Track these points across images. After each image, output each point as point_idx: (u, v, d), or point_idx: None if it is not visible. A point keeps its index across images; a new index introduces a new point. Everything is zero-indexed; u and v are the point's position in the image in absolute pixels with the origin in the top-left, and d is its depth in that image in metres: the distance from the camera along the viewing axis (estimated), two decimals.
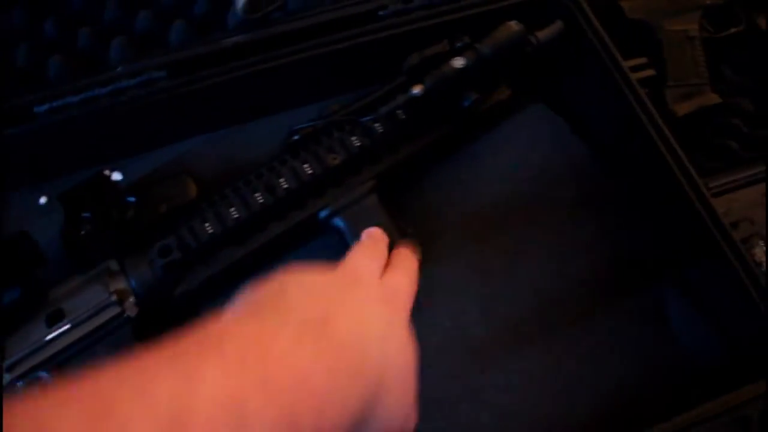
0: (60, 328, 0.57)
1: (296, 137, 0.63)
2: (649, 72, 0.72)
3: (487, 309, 0.61)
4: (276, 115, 0.70)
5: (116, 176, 0.67)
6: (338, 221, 0.61)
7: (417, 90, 0.62)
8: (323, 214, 0.61)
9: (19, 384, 0.56)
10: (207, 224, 0.59)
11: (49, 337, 0.57)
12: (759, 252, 0.62)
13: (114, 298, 0.58)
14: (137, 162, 0.68)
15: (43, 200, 0.68)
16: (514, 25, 0.64)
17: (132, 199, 0.60)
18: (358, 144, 0.62)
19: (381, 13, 0.68)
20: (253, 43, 0.67)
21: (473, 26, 0.67)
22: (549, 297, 0.61)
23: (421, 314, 0.51)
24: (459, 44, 0.66)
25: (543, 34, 0.66)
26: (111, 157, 0.68)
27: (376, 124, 0.63)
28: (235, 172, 0.65)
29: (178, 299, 0.60)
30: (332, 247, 0.61)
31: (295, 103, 0.70)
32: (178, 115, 0.66)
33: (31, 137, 0.63)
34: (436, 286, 0.61)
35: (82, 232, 0.59)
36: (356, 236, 0.58)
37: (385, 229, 0.58)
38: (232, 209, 0.59)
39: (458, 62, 0.63)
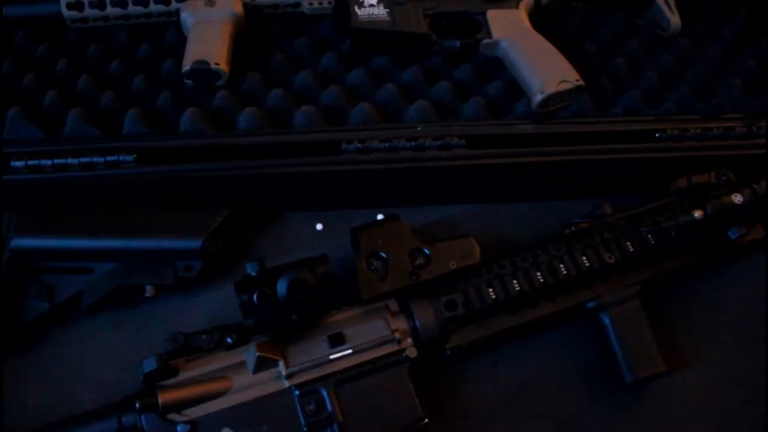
0: (342, 350, 0.62)
1: (573, 229, 0.68)
2: None
3: None
4: (542, 202, 0.75)
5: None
6: (603, 315, 0.65)
7: (698, 214, 0.67)
8: (591, 305, 0.66)
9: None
10: (491, 289, 0.64)
11: (333, 356, 0.61)
12: None
13: (397, 335, 0.62)
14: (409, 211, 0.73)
15: (319, 227, 0.74)
16: None
17: (426, 250, 0.65)
18: (632, 249, 0.66)
19: (658, 134, 0.74)
20: (537, 134, 0.73)
21: (737, 164, 0.72)
22: None
23: None
24: (724, 178, 0.71)
25: None
26: (387, 203, 0.73)
27: (649, 236, 0.67)
28: (497, 245, 0.70)
29: (448, 352, 0.64)
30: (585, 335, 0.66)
31: (562, 197, 0.75)
32: (464, 181, 0.72)
33: (340, 175, 0.69)
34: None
35: (372, 268, 0.64)
36: (618, 337, 0.63)
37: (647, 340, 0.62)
38: (515, 281, 0.64)
39: (738, 198, 0.68)
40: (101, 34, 0.82)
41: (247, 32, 0.80)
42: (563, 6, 0.83)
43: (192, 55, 0.74)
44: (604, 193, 0.74)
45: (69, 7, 0.79)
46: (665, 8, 0.82)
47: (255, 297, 0.60)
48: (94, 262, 0.69)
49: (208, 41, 0.75)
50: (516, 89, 0.76)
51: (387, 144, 0.70)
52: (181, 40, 0.78)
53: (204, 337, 0.63)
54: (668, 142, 0.74)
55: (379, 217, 0.73)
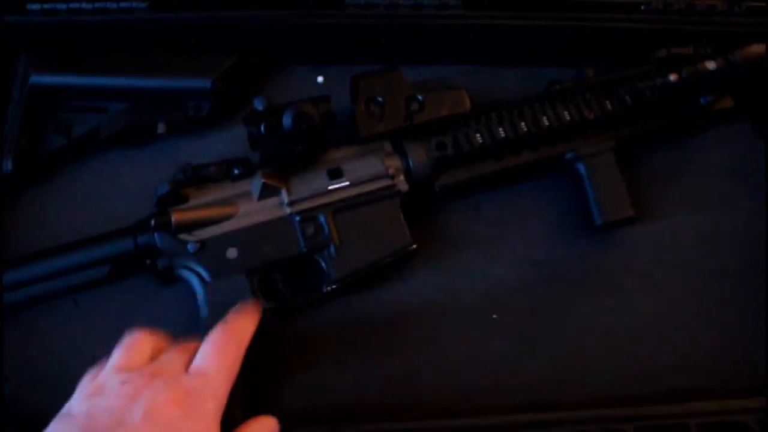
0: (340, 182, 0.67)
1: (557, 87, 0.73)
2: None
3: None
4: (529, 67, 0.80)
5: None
6: (580, 166, 0.71)
7: (673, 78, 0.72)
8: (569, 155, 0.71)
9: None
10: (478, 135, 0.69)
11: (331, 187, 0.67)
12: None
13: (391, 171, 0.68)
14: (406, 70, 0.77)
15: (320, 79, 0.78)
16: (763, 48, 0.74)
17: (420, 97, 0.70)
18: (610, 107, 0.72)
19: (643, 7, 0.78)
20: None
21: (716, 41, 0.77)
22: None
23: None
24: (702, 51, 0.76)
25: None
26: (385, 60, 0.77)
27: (627, 96, 0.72)
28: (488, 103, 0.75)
29: (437, 190, 0.70)
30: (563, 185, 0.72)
31: (549, 62, 0.80)
32: (458, 41, 0.76)
33: (341, 28, 0.74)
34: None
35: (370, 111, 0.69)
36: (592, 185, 0.69)
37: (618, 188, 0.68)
38: (500, 128, 0.69)
39: (711, 65, 0.73)
40: None
41: None
42: None
43: None
44: (589, 62, 0.78)
45: None
46: None
47: (262, 128, 0.64)
48: (108, 101, 0.73)
49: None
50: None
51: (389, 1, 0.74)
52: None
53: (212, 168, 0.68)
54: (653, 14, 0.78)
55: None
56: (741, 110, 0.79)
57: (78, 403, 0.49)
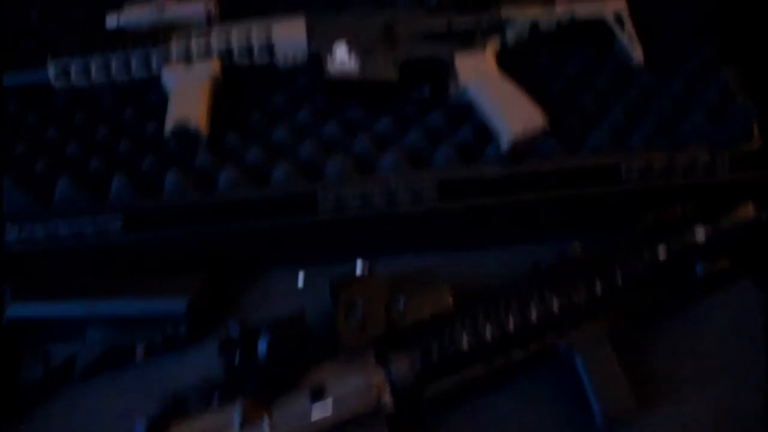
0: (323, 407, 0.65)
1: (543, 270, 0.70)
2: None
3: None
4: (512, 246, 0.77)
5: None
6: (575, 356, 0.68)
7: (661, 252, 0.69)
8: (562, 346, 0.68)
9: None
10: (464, 338, 0.66)
11: (314, 415, 0.64)
12: None
13: (374, 387, 0.65)
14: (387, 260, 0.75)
15: (300, 279, 0.77)
16: (752, 209, 0.71)
17: (401, 301, 0.67)
18: (600, 289, 0.69)
19: (624, 169, 0.76)
20: (509, 176, 0.76)
21: (705, 198, 0.75)
22: None
23: None
24: (688, 212, 0.73)
25: None
26: (363, 253, 0.76)
27: (618, 275, 0.69)
28: (471, 290, 0.72)
29: (426, 401, 0.66)
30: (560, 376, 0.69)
31: (531, 239, 0.77)
32: (436, 229, 0.75)
33: (317, 230, 0.72)
34: None
35: (350, 320, 0.67)
36: (590, 377, 0.65)
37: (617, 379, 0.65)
38: (487, 328, 0.67)
39: (700, 235, 0.70)
40: (87, 96, 0.85)
41: (225, 88, 0.83)
42: (530, 45, 0.85)
43: (173, 118, 0.78)
44: (575, 234, 0.76)
45: (57, 77, 0.83)
46: (627, 42, 0.84)
47: (236, 359, 0.62)
48: (85, 328, 0.72)
49: (188, 103, 0.79)
50: (486, 133, 0.78)
51: (361, 197, 0.73)
52: (163, 99, 0.82)
53: (193, 397, 0.66)
54: (635, 177, 0.76)
55: (358, 265, 0.75)
56: (739, 268, 0.75)
57: None
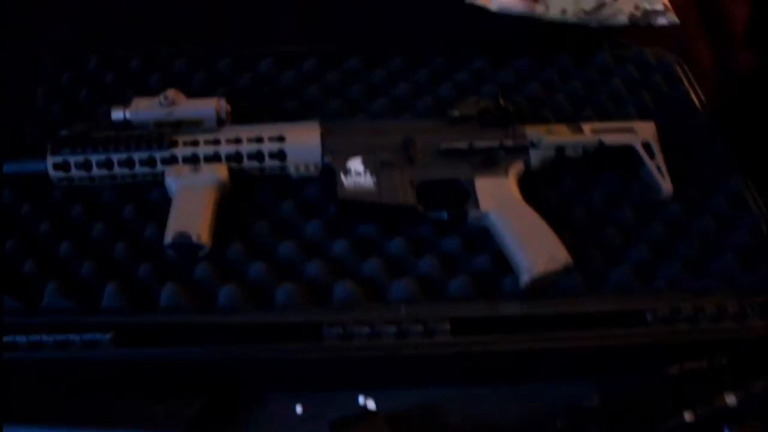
0: None
1: (562, 420, 0.66)
2: None
3: None
4: (527, 385, 0.73)
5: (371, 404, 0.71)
6: None
7: (689, 417, 0.65)
8: None
9: None
10: None
11: None
12: None
13: None
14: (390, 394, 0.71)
15: (299, 409, 0.72)
16: None
17: None
18: None
19: (648, 316, 0.72)
20: (523, 316, 0.71)
21: (733, 348, 0.70)
22: None
23: None
24: (717, 365, 0.69)
25: None
26: (367, 386, 0.71)
27: None
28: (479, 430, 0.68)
29: None
30: None
31: (547, 380, 0.73)
32: (447, 367, 0.70)
33: (320, 362, 0.67)
34: None
35: None
36: None
37: None
38: None
39: (731, 399, 0.65)
40: (86, 191, 0.81)
41: (233, 194, 0.79)
42: (554, 170, 0.82)
43: (174, 227, 0.74)
44: (593, 378, 0.72)
45: (56, 167, 0.79)
46: (656, 173, 0.80)
47: None
48: None
49: (191, 213, 0.75)
50: (504, 262, 0.74)
51: (369, 330, 0.68)
52: (165, 200, 0.78)
53: None
54: (659, 325, 0.71)
55: (360, 399, 0.70)
56: None
57: None
